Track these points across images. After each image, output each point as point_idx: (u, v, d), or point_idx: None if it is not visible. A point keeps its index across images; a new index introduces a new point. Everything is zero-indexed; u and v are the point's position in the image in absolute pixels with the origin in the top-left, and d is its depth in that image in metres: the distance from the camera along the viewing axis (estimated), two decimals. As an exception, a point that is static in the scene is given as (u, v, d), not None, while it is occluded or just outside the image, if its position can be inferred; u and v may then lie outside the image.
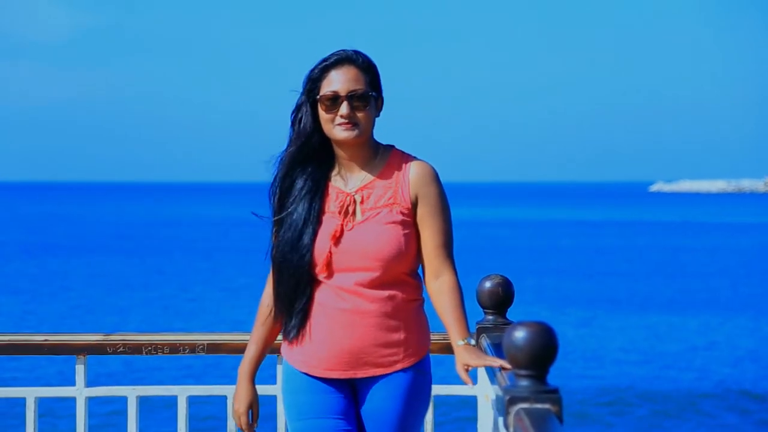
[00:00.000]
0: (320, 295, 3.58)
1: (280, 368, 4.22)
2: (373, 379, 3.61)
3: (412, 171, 3.64)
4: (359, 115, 3.58)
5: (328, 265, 3.56)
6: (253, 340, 3.74)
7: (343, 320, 3.56)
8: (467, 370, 3.45)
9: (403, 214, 3.61)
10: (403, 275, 3.60)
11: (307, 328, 3.60)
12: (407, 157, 3.67)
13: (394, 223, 3.59)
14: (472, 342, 3.53)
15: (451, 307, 3.56)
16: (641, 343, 24.61)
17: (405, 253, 3.57)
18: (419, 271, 3.68)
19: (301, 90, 3.63)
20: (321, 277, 3.57)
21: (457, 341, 3.51)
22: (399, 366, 3.58)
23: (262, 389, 4.12)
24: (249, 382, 3.72)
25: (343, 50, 3.62)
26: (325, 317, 3.57)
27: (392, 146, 3.70)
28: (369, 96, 3.59)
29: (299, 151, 3.63)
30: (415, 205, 3.62)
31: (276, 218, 3.63)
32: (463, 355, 3.47)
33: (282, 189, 3.63)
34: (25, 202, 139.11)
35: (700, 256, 49.40)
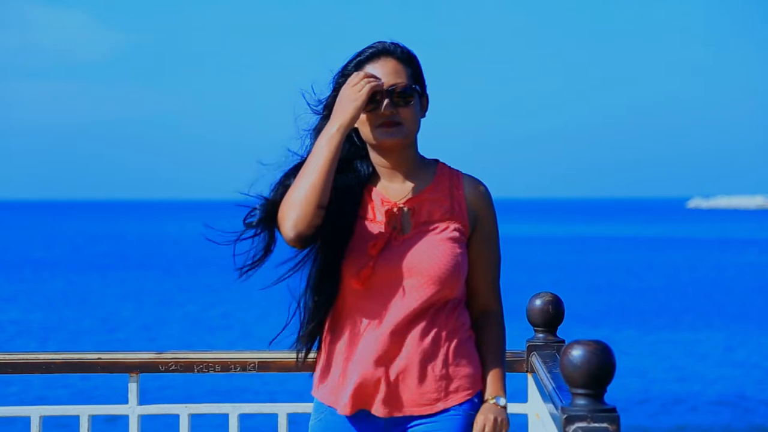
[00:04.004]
0: (353, 318, 3.16)
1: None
2: (418, 425, 3.17)
3: (470, 188, 3.25)
4: (403, 112, 3.14)
5: (368, 279, 3.12)
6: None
7: (383, 347, 3.12)
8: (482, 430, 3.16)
9: (459, 231, 3.19)
10: (452, 301, 3.18)
11: (337, 358, 3.19)
12: (457, 172, 3.27)
13: (450, 240, 3.16)
14: (501, 402, 3.22)
15: (496, 353, 3.26)
16: (676, 360, 24.49)
17: (460, 274, 3.17)
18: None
19: (330, 90, 3.21)
20: (354, 292, 3.15)
21: (490, 397, 3.21)
22: (443, 405, 3.17)
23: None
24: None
25: (379, 42, 3.20)
26: (359, 343, 3.15)
27: (437, 159, 3.29)
28: (412, 90, 3.16)
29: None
30: (472, 226, 3.23)
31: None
32: (488, 416, 3.17)
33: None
34: (61, 220, 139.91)
35: (736, 272, 49.05)
